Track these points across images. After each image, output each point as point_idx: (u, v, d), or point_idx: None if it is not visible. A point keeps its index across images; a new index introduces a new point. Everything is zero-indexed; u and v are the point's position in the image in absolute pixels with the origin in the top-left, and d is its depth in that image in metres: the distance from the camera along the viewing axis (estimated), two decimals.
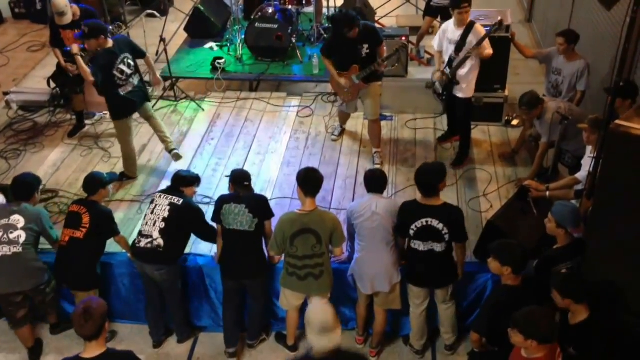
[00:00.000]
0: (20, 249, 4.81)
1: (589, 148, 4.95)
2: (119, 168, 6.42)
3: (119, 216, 5.73)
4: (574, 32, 6.08)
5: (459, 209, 4.75)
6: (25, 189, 5.03)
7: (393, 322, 5.17)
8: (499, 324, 3.88)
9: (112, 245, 5.18)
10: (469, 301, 5.09)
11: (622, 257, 3.75)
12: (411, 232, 4.56)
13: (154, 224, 4.83)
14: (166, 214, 4.82)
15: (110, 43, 5.74)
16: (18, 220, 4.85)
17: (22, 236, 4.82)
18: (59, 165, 6.57)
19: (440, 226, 4.51)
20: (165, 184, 6.13)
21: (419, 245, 4.60)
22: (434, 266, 4.67)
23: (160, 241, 4.79)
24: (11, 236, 4.81)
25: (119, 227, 5.15)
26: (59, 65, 6.65)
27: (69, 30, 6.39)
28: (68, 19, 6.28)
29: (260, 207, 4.81)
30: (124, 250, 5.20)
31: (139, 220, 5.73)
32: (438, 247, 4.58)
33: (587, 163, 4.80)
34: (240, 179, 4.88)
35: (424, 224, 4.51)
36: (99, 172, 5.30)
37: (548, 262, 4.38)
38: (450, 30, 5.97)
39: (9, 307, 4.95)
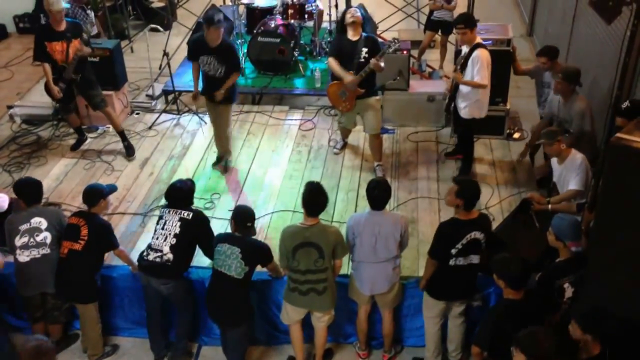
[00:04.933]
0: (49, 250, 4.88)
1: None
2: (121, 181, 6.44)
3: (120, 229, 5.74)
4: (552, 47, 6.08)
5: (488, 216, 4.80)
6: (34, 191, 5.05)
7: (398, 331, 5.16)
8: (501, 338, 3.87)
9: (114, 259, 5.19)
10: (472, 316, 5.06)
11: (624, 270, 3.74)
12: (454, 251, 4.47)
13: (165, 239, 4.80)
14: (178, 230, 4.80)
15: None
16: (40, 222, 4.91)
17: (49, 237, 4.90)
18: (62, 179, 6.59)
19: (482, 236, 4.50)
20: None
21: (460, 261, 4.52)
22: (470, 277, 4.66)
23: (170, 256, 4.77)
24: (38, 239, 4.87)
25: (120, 240, 5.16)
26: (46, 84, 6.45)
27: (54, 42, 6.25)
28: (61, 5, 6.17)
29: (256, 255, 4.66)
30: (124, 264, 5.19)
31: (141, 233, 5.75)
32: (476, 259, 4.56)
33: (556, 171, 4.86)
34: (243, 218, 4.65)
35: (469, 239, 4.46)
36: (99, 184, 5.30)
37: (550, 276, 4.37)
38: (464, 47, 5.98)
39: (29, 307, 5.07)
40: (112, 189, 5.29)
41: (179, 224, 4.82)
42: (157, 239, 4.85)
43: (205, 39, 5.94)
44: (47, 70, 6.40)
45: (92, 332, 5.06)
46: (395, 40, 6.16)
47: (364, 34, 6.01)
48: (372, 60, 5.86)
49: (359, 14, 6.01)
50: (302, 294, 4.61)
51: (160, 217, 4.95)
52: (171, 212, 4.90)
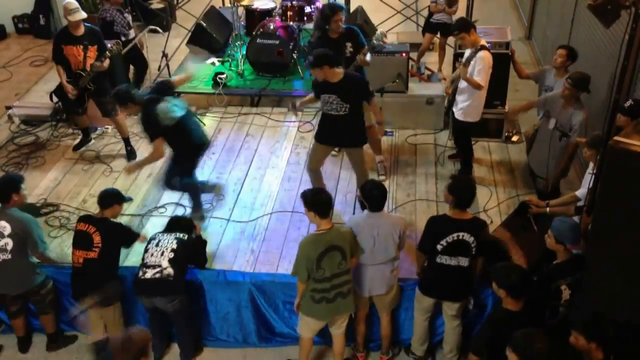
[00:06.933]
0: (10, 256, 4.80)
1: (590, 165, 4.96)
2: (119, 183, 6.43)
3: None
4: (576, 51, 6.11)
5: (485, 222, 4.77)
6: (3, 190, 4.92)
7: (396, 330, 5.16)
8: (499, 346, 3.85)
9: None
10: (469, 318, 5.06)
11: (623, 273, 3.75)
12: (439, 247, 4.50)
13: (162, 254, 4.73)
14: (174, 246, 4.77)
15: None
16: (4, 227, 4.80)
17: (10, 244, 4.79)
18: (60, 179, 6.59)
19: (471, 240, 4.48)
20: (166, 198, 6.16)
21: (445, 260, 4.54)
22: (460, 280, 4.64)
23: (170, 270, 4.69)
24: None
25: None
26: (60, 84, 6.62)
27: (70, 45, 6.39)
28: (80, 15, 6.25)
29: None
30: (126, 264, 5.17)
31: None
32: (465, 262, 4.55)
33: (586, 179, 4.82)
34: None
35: (455, 238, 4.46)
36: (117, 189, 5.21)
37: (548, 278, 4.37)
38: (468, 50, 6.00)
39: (4, 302, 5.06)
40: (128, 199, 5.30)
41: (175, 240, 4.81)
42: (153, 255, 4.75)
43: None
44: (60, 72, 6.58)
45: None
46: (380, 34, 6.04)
47: (343, 26, 5.99)
48: (358, 57, 5.86)
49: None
50: (329, 302, 4.51)
51: (152, 239, 4.89)
52: (165, 234, 4.89)
